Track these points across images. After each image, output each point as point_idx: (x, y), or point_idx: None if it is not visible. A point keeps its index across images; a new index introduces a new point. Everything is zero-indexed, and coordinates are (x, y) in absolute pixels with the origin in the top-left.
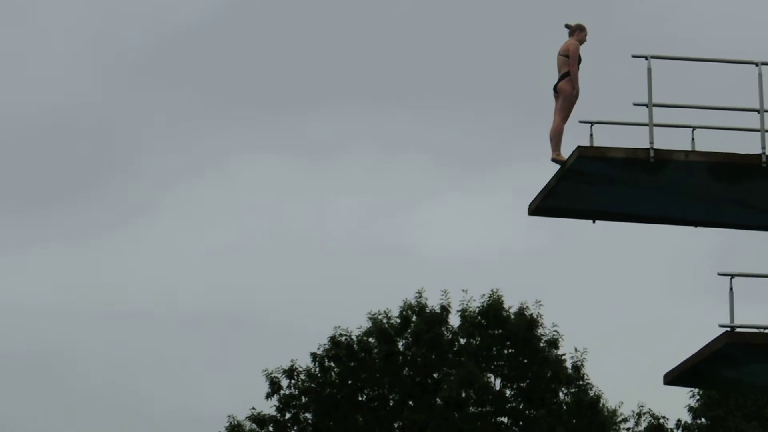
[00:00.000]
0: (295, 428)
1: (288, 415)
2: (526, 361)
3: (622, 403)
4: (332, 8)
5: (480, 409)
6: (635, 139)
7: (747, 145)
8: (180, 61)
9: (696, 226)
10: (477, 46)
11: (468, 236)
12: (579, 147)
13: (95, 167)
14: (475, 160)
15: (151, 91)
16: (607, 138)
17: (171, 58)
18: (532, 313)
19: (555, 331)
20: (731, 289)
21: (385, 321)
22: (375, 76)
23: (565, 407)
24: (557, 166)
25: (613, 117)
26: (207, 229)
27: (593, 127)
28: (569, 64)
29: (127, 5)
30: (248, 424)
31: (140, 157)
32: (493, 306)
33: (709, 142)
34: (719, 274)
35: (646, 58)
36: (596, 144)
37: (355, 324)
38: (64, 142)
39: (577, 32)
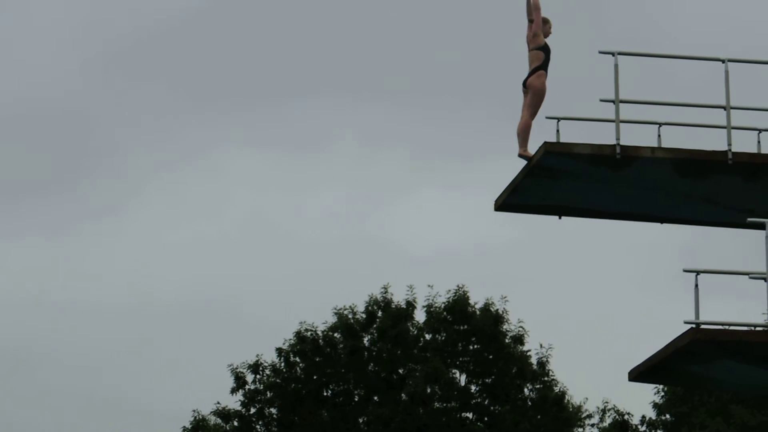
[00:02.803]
0: (260, 423)
1: (253, 410)
2: (491, 357)
3: (587, 399)
4: (314, 2)
5: (445, 404)
6: (602, 135)
7: (714, 141)
8: (162, 53)
9: (662, 222)
10: (455, 41)
11: (440, 231)
12: (545, 143)
13: (74, 158)
14: (454, 154)
15: (132, 83)
16: (574, 134)
17: (153, 51)
18: (497, 309)
19: (520, 327)
20: (696, 285)
21: (350, 316)
22: (357, 70)
23: (530, 403)
24: (525, 162)
25: (581, 113)
26: (186, 222)
27: (560, 122)
28: (534, 20)
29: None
30: (213, 419)
31: (120, 150)
32: (459, 302)
33: (676, 139)
34: (684, 271)
35: (613, 54)
36: (563, 140)
37: (322, 319)
38: (43, 132)
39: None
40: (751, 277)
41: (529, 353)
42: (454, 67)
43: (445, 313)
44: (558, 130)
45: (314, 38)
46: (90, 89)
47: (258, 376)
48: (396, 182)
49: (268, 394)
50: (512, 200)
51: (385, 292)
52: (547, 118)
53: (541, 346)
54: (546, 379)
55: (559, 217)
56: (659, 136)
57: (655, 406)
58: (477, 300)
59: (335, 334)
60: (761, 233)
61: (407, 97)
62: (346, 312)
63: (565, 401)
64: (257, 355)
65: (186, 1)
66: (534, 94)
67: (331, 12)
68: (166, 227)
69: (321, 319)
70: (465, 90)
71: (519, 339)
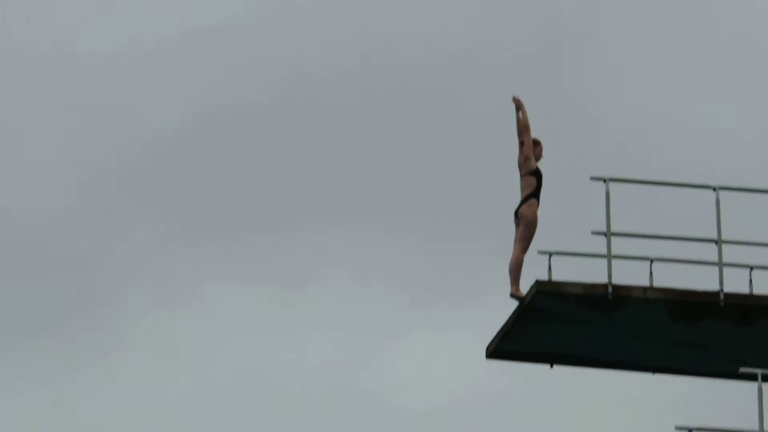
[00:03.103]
0: None
1: None
2: None
3: None
4: (306, 129)
5: None
6: (593, 270)
7: (705, 278)
8: (150, 182)
9: (654, 372)
10: (452, 173)
11: (429, 381)
12: (537, 282)
13: (62, 302)
14: (445, 290)
15: (122, 215)
16: (564, 267)
17: (142, 180)
18: None
19: None
20: None
21: None
22: (350, 199)
23: None
24: (516, 302)
25: (572, 243)
26: (176, 369)
27: (551, 258)
28: (524, 142)
29: (99, 124)
30: None
31: (110, 289)
32: None
33: (668, 275)
34: (677, 429)
35: (604, 180)
36: (555, 275)
37: None
38: (30, 273)
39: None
40: None
41: None
42: (447, 193)
43: None
44: (550, 267)
45: (306, 167)
46: (81, 224)
47: None
48: (385, 325)
49: None
50: (504, 347)
51: None
52: (539, 253)
53: None
54: None
55: (551, 366)
56: (651, 273)
57: None
58: None
59: None
60: (754, 385)
61: (399, 225)
62: None
63: None
64: None
65: (173, 126)
66: (526, 226)
67: (325, 141)
68: (155, 376)
69: None
70: (458, 220)
71: None
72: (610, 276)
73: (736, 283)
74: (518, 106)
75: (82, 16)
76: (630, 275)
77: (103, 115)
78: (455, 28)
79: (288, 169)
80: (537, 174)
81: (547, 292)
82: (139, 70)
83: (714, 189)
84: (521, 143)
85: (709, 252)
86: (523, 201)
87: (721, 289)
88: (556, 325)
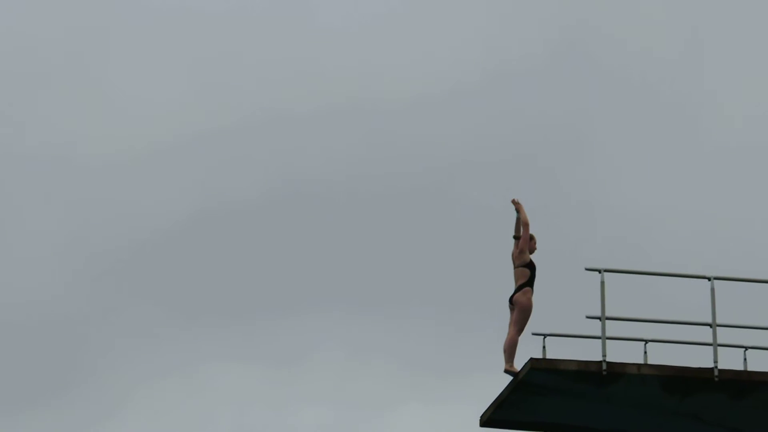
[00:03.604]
0: None
1: None
2: None
3: None
4: (303, 215)
5: None
6: (589, 352)
7: (700, 358)
8: (150, 268)
9: None
10: (444, 256)
11: None
12: (531, 359)
13: (56, 378)
14: (440, 368)
15: (118, 300)
16: (560, 350)
17: (141, 266)
18: None
19: None
20: None
21: None
22: (347, 282)
23: None
24: (511, 378)
25: (567, 329)
26: None
27: (546, 339)
28: (522, 237)
29: (101, 211)
30: None
31: (104, 367)
32: None
33: (663, 356)
34: None
35: (599, 271)
36: (549, 356)
37: None
38: (24, 346)
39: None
40: None
41: None
42: (443, 278)
43: None
44: (544, 347)
45: (303, 251)
46: (78, 304)
47: None
48: (380, 398)
49: None
50: (498, 416)
51: None
52: (534, 334)
53: None
54: None
55: None
56: (645, 352)
57: None
58: None
59: None
60: None
61: (395, 310)
62: None
63: None
64: None
65: (175, 216)
66: (520, 311)
67: (323, 224)
68: None
69: None
70: (453, 302)
71: None
72: (604, 353)
73: (730, 364)
74: (517, 208)
75: (82, 119)
76: (625, 356)
77: (101, 212)
78: (453, 136)
79: (287, 257)
80: (531, 266)
81: (541, 369)
82: (138, 170)
83: (709, 279)
84: (516, 238)
85: (704, 336)
86: (518, 289)
87: (716, 366)
88: (550, 399)
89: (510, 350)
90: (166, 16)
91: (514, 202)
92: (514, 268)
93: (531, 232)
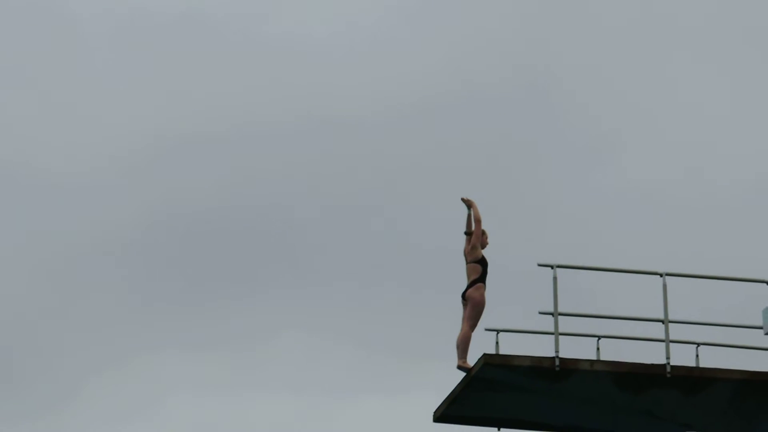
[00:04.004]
0: None
1: None
2: None
3: None
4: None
5: None
6: (541, 348)
7: (651, 354)
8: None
9: None
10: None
11: None
12: (485, 355)
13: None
14: (395, 354)
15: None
16: (513, 346)
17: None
18: None
19: None
20: None
21: None
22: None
23: None
24: (463, 373)
25: (520, 325)
26: (121, 426)
27: (499, 334)
28: (474, 233)
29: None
30: None
31: (51, 357)
32: None
33: (615, 352)
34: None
35: (552, 267)
36: (502, 352)
37: None
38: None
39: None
40: None
41: None
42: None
43: None
44: (497, 342)
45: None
46: (33, 294)
47: None
48: (334, 387)
49: None
50: (451, 411)
51: None
52: (487, 330)
53: None
54: None
55: (498, 430)
56: (598, 348)
57: None
58: None
59: None
60: None
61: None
62: None
63: None
64: None
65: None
66: (473, 307)
67: None
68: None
69: None
70: (412, 285)
71: None
72: (557, 349)
73: (683, 360)
74: (469, 204)
75: None
76: (577, 352)
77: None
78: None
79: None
80: (483, 262)
81: (494, 364)
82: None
83: (661, 275)
84: (467, 234)
85: (656, 332)
86: (470, 285)
87: (668, 363)
88: (503, 394)
89: (463, 345)
90: None
91: (464, 199)
92: (466, 263)
93: (484, 228)
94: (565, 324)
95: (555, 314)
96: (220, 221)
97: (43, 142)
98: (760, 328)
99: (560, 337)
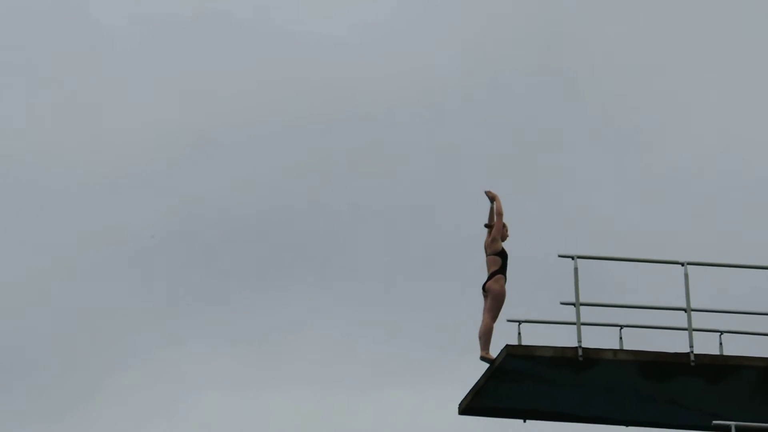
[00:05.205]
0: None
1: None
2: None
3: None
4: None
5: None
6: (564, 338)
7: (675, 343)
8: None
9: (627, 425)
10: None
11: None
12: (507, 346)
13: (26, 366)
14: (421, 350)
15: (95, 291)
16: (535, 336)
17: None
18: None
19: None
20: None
21: None
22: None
23: None
24: (487, 365)
25: (542, 316)
26: (142, 423)
27: (521, 325)
28: (495, 226)
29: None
30: None
31: (74, 354)
32: None
33: (638, 341)
34: None
35: (572, 257)
36: (525, 343)
37: None
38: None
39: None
40: None
41: None
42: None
43: None
44: (519, 333)
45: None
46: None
47: None
48: (359, 381)
49: None
50: (476, 404)
51: None
52: (509, 321)
53: None
54: None
55: (524, 421)
56: (621, 338)
57: None
58: None
59: None
60: None
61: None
62: None
63: None
64: None
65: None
66: (494, 298)
67: None
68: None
69: None
70: (436, 278)
71: None
72: (579, 340)
73: (706, 348)
74: (492, 197)
75: None
76: (600, 342)
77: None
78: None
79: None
80: (503, 254)
81: (517, 355)
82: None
83: (682, 264)
84: (488, 227)
85: (679, 321)
86: (490, 276)
87: (691, 351)
88: (527, 385)
89: (485, 337)
90: None
91: (487, 192)
92: (486, 256)
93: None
94: (587, 314)
95: (577, 304)
96: (245, 218)
97: (66, 144)
98: None
99: (582, 327)
